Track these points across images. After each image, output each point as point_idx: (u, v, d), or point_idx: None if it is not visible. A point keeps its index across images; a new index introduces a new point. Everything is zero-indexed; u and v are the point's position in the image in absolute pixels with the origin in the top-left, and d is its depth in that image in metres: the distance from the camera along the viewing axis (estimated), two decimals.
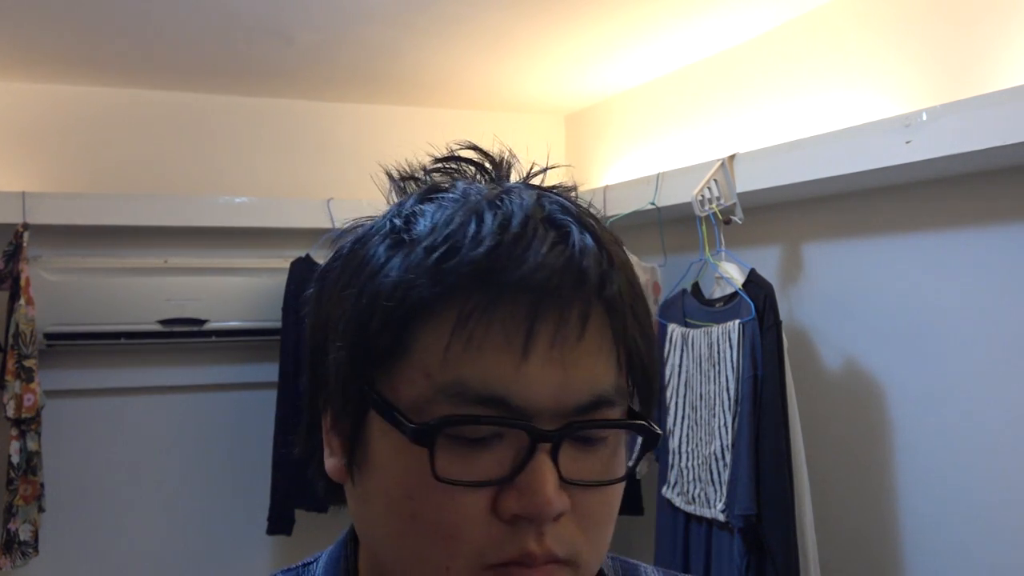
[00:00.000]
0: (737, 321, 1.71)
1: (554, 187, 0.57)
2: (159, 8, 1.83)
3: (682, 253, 2.16)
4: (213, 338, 2.40)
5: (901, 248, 1.67)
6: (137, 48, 2.11)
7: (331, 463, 0.55)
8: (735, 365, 1.70)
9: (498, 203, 0.51)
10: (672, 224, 2.18)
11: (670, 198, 1.99)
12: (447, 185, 0.55)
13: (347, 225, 0.57)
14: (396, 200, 0.57)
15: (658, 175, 2.04)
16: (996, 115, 1.29)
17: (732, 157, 1.81)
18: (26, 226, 2.16)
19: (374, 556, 0.57)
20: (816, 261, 1.87)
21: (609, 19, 1.90)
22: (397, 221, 0.52)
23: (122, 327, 2.30)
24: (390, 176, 0.58)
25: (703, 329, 1.80)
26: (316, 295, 0.56)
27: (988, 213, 1.51)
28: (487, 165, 0.58)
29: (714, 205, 1.82)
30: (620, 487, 0.54)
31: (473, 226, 0.49)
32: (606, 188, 2.25)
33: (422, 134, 2.92)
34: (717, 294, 1.84)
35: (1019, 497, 1.46)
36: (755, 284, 1.74)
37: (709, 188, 1.83)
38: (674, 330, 1.88)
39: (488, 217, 0.49)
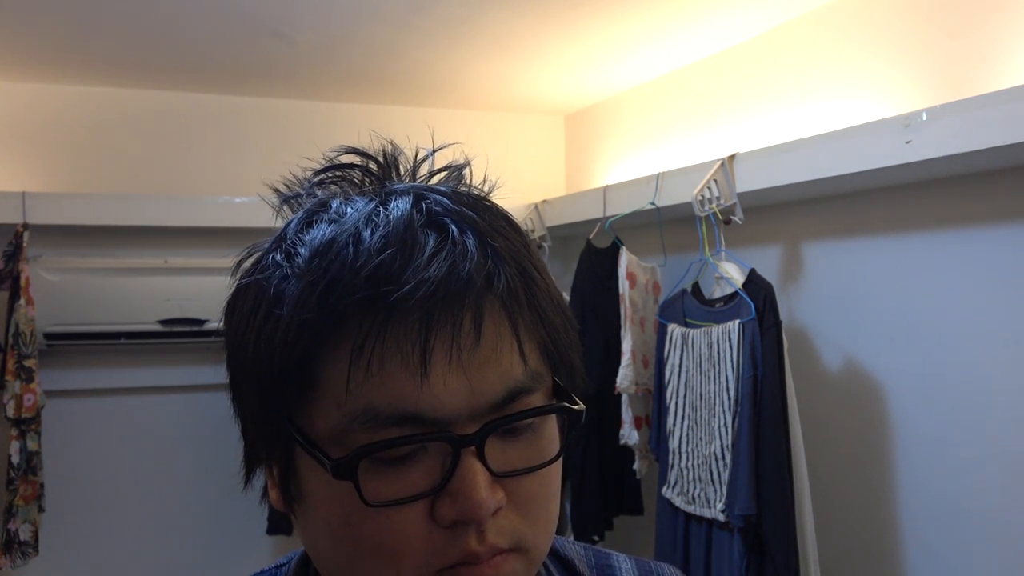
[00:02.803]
0: (737, 321, 1.71)
1: (444, 169, 0.57)
2: (159, 8, 1.83)
3: (682, 253, 2.16)
4: (213, 338, 2.40)
5: (901, 248, 1.67)
6: (137, 48, 2.11)
7: (273, 495, 0.56)
8: (735, 365, 1.70)
9: (374, 217, 0.50)
10: (672, 224, 2.18)
11: (670, 198, 1.99)
12: (327, 200, 0.54)
13: (242, 254, 0.57)
14: (283, 219, 0.57)
15: (658, 175, 2.04)
16: (996, 115, 1.29)
17: (732, 157, 1.81)
18: (26, 226, 2.16)
19: None
20: (816, 261, 1.87)
21: (609, 20, 1.90)
22: (279, 256, 0.52)
23: (122, 327, 2.31)
24: (278, 193, 0.59)
25: (703, 329, 1.80)
26: (225, 333, 0.56)
27: (988, 213, 1.51)
28: (371, 167, 0.57)
29: (714, 205, 1.82)
30: (556, 466, 0.54)
31: (351, 250, 0.49)
32: (606, 188, 2.25)
33: (422, 134, 2.91)
34: (717, 294, 1.84)
35: (1019, 497, 1.46)
36: (755, 284, 1.74)
37: (709, 188, 1.83)
38: (674, 330, 1.88)
39: (365, 236, 0.49)
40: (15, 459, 2.09)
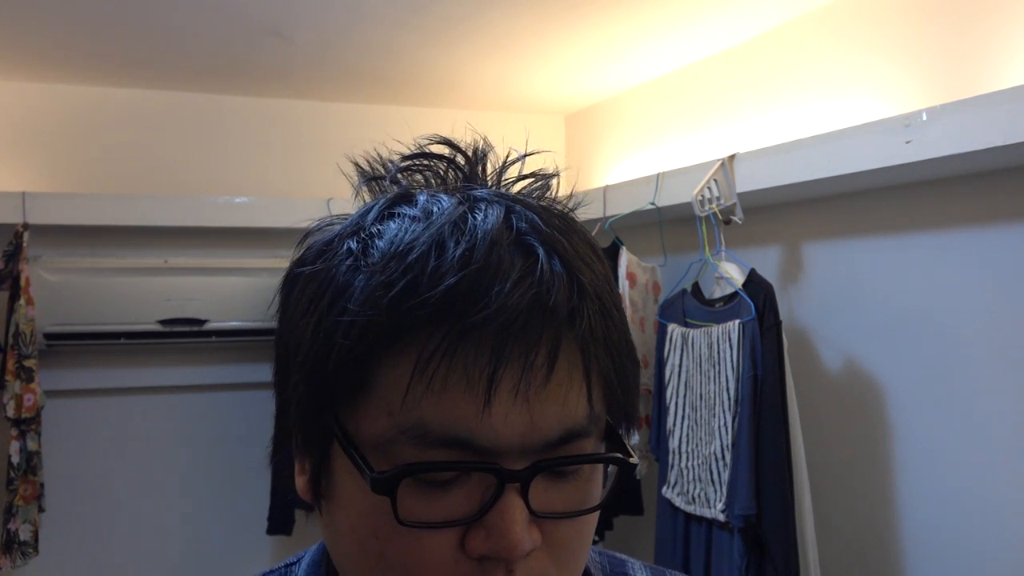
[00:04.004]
0: (737, 321, 1.71)
1: (532, 175, 0.55)
2: (159, 8, 1.83)
3: (682, 253, 2.16)
4: (213, 338, 2.40)
5: (901, 248, 1.67)
6: (137, 48, 2.11)
7: (300, 483, 0.54)
8: (735, 365, 1.70)
9: (461, 225, 0.47)
10: (672, 224, 2.18)
11: (670, 198, 1.99)
12: (412, 192, 0.52)
13: (313, 225, 0.54)
14: (364, 200, 0.54)
15: (658, 175, 2.04)
16: (996, 115, 1.29)
17: (732, 157, 1.81)
18: (26, 226, 2.16)
19: None
20: (816, 261, 1.87)
21: (609, 19, 1.90)
22: (354, 245, 0.49)
23: (122, 327, 2.30)
24: (359, 169, 0.56)
25: (703, 329, 1.80)
26: (281, 303, 0.54)
27: (988, 213, 1.51)
28: (460, 161, 0.55)
29: (714, 205, 1.82)
30: (595, 515, 0.52)
31: (434, 258, 0.46)
32: (606, 188, 2.25)
33: (422, 134, 2.91)
34: (717, 294, 1.84)
35: (1020, 497, 1.46)
36: (755, 284, 1.74)
37: (709, 188, 1.83)
38: (674, 330, 1.88)
39: (450, 245, 0.46)
40: (15, 459, 2.09)
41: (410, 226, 0.48)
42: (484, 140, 0.55)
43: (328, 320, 0.48)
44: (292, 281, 0.53)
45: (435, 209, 0.49)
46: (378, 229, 0.49)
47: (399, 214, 0.50)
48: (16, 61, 2.20)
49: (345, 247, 0.50)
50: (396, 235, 0.48)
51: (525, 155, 0.56)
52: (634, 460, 0.51)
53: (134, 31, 1.98)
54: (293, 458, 0.55)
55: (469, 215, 0.48)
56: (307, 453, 0.52)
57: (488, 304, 0.45)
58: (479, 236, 0.47)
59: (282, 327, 0.53)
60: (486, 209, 0.49)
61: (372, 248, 0.48)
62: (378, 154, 0.56)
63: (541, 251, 0.47)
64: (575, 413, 0.48)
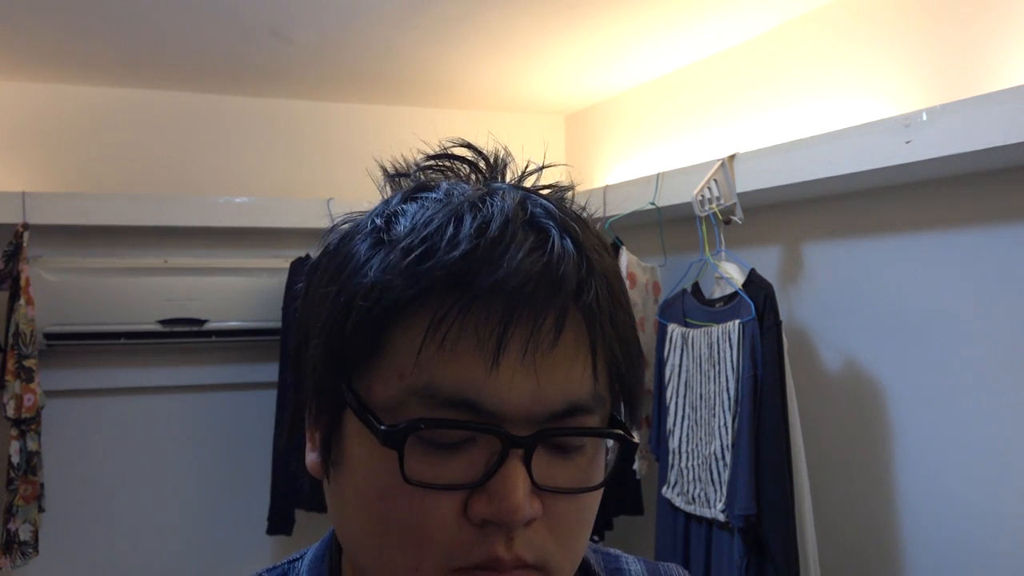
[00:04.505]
0: (737, 321, 1.71)
1: (549, 186, 0.57)
2: (159, 8, 1.83)
3: (682, 253, 2.16)
4: (213, 338, 2.40)
5: (901, 248, 1.67)
6: (137, 48, 2.11)
7: (311, 459, 0.56)
8: (735, 365, 1.70)
9: (479, 204, 0.50)
10: (672, 224, 2.18)
11: (670, 198, 1.99)
12: (433, 184, 0.55)
13: (339, 220, 0.57)
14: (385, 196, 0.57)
15: (658, 175, 2.04)
16: (996, 115, 1.29)
17: (732, 157, 1.81)
18: (26, 226, 2.16)
19: (358, 570, 0.57)
20: (816, 261, 1.87)
21: (610, 19, 1.90)
22: (379, 220, 0.52)
23: (122, 327, 2.30)
24: (384, 171, 0.59)
25: (703, 329, 1.80)
26: (304, 291, 0.56)
27: (988, 213, 1.51)
28: (481, 164, 0.57)
29: (714, 205, 1.82)
30: (596, 494, 0.53)
31: (451, 228, 0.49)
32: (606, 188, 2.25)
33: (422, 134, 2.91)
34: (717, 294, 1.84)
35: (1019, 497, 1.46)
36: (755, 284, 1.74)
37: (709, 188, 1.83)
38: (674, 330, 1.88)
39: (467, 219, 0.49)
40: (15, 459, 2.09)
41: (432, 206, 0.51)
42: (505, 149, 0.58)
43: (350, 285, 0.50)
44: (315, 267, 0.56)
45: (456, 192, 0.52)
46: (402, 208, 0.52)
47: (422, 197, 0.53)
48: (16, 61, 2.20)
49: (370, 225, 0.53)
50: (417, 212, 0.51)
51: (542, 167, 0.59)
52: (635, 440, 0.52)
53: (134, 31, 1.98)
54: (304, 440, 0.57)
55: (488, 198, 0.51)
56: (319, 422, 0.54)
57: (500, 270, 0.47)
58: (495, 213, 0.50)
59: (305, 307, 0.56)
60: (503, 194, 0.52)
61: (395, 224, 0.51)
62: (403, 157, 0.59)
63: (554, 231, 0.50)
64: (580, 387, 0.50)
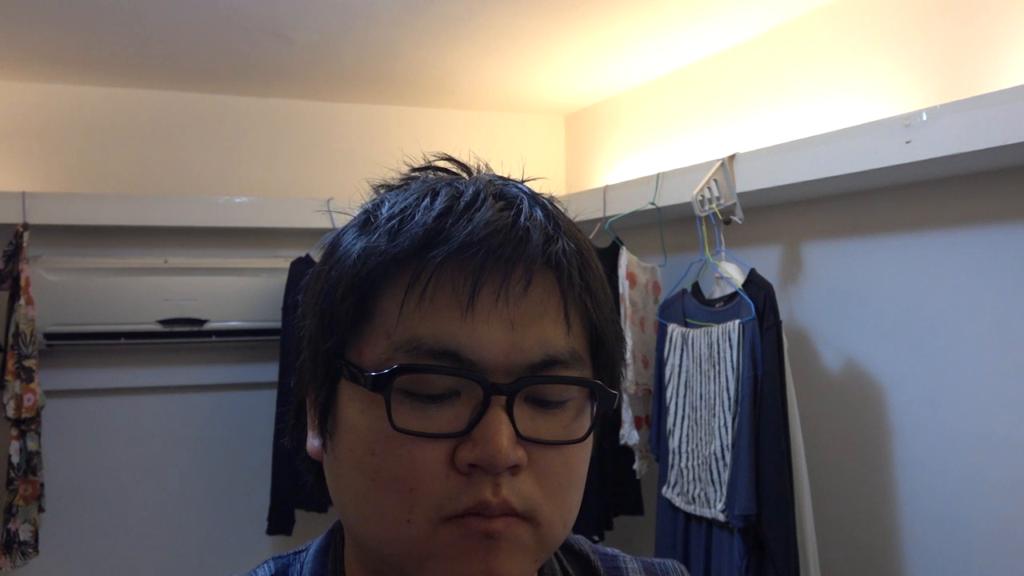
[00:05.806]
0: (737, 321, 1.71)
1: (530, 180, 0.61)
2: (159, 8, 1.83)
3: (682, 253, 2.16)
4: (213, 338, 2.40)
5: (901, 248, 1.67)
6: (137, 48, 2.11)
7: (312, 445, 0.58)
8: (735, 365, 1.70)
9: (455, 184, 0.56)
10: (672, 224, 2.18)
11: (670, 198, 1.99)
12: (415, 179, 0.60)
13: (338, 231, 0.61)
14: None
15: (658, 175, 2.04)
16: (996, 115, 1.29)
17: (732, 157, 1.81)
18: (26, 226, 2.16)
19: (356, 539, 0.58)
20: (816, 261, 1.87)
21: (610, 20, 1.90)
22: (369, 206, 0.58)
23: (122, 327, 2.31)
24: (373, 187, 0.63)
25: (703, 329, 1.80)
26: (304, 290, 0.60)
27: (988, 213, 1.51)
28: (462, 176, 0.61)
29: (714, 205, 1.83)
30: (583, 452, 0.56)
31: (427, 199, 0.54)
32: (606, 188, 2.25)
33: (422, 134, 2.93)
34: (717, 294, 1.84)
35: (1019, 497, 1.46)
36: (755, 284, 1.74)
37: (709, 188, 1.83)
38: (674, 330, 1.88)
39: (443, 191, 0.55)
40: (15, 459, 2.09)
41: (412, 190, 0.57)
42: (487, 164, 0.63)
43: (340, 264, 0.55)
44: (319, 262, 0.60)
45: (433, 178, 0.59)
46: (385, 197, 0.58)
47: (403, 188, 0.59)
48: (16, 61, 2.20)
49: (359, 217, 0.58)
50: (398, 197, 0.57)
51: (523, 180, 0.62)
52: (613, 391, 0.56)
53: (134, 31, 1.98)
54: (305, 441, 0.60)
55: (463, 181, 0.58)
56: (317, 400, 0.57)
57: (471, 225, 0.52)
58: (468, 186, 0.55)
59: (304, 303, 0.60)
60: (478, 177, 0.58)
61: (378, 211, 0.56)
62: (400, 161, 0.64)
63: (525, 200, 0.55)
64: (555, 340, 0.53)
